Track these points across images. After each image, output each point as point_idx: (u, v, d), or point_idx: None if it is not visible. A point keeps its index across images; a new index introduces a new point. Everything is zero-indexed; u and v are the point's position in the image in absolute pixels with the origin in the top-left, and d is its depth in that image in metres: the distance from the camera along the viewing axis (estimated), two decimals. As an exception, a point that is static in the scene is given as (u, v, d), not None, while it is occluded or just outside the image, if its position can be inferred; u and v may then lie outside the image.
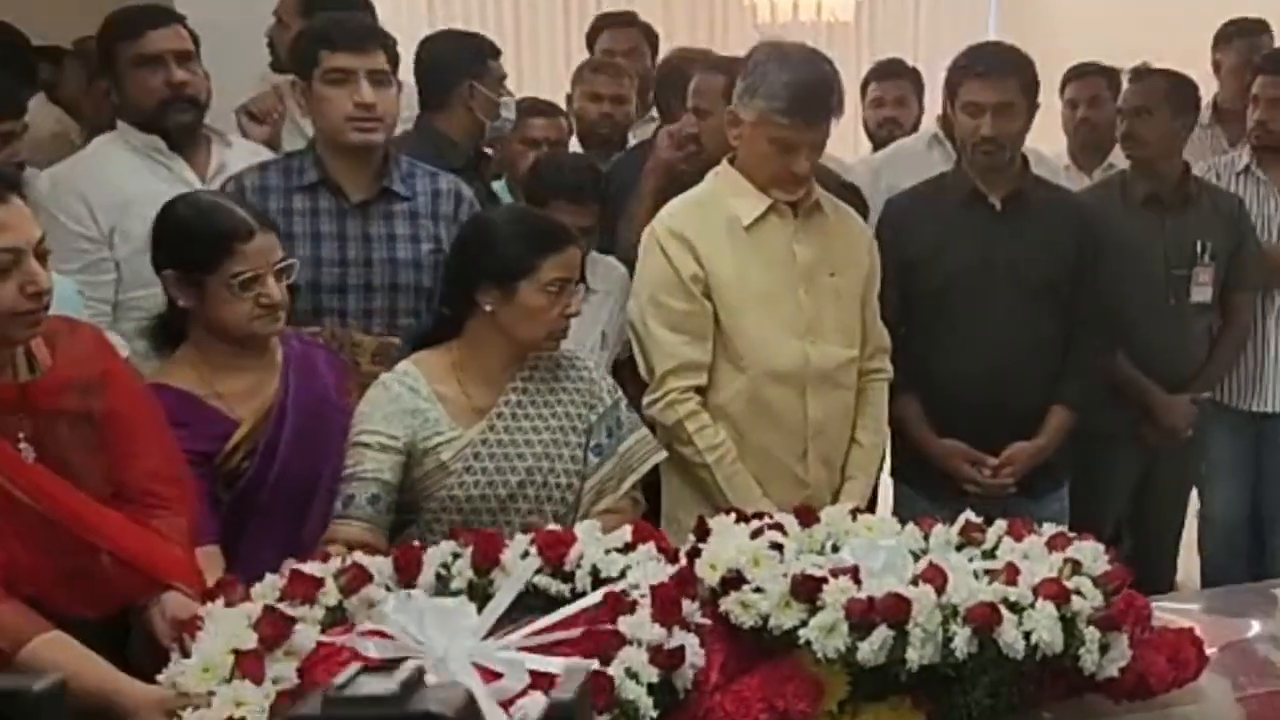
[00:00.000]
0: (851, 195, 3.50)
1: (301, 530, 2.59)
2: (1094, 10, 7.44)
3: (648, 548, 2.14)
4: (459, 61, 3.76)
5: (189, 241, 2.54)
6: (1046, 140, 4.36)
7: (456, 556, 2.15)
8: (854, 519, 2.30)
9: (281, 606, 1.98)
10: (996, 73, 3.37)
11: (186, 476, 2.41)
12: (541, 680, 1.84)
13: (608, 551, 2.13)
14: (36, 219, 2.57)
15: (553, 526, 2.28)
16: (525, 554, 2.13)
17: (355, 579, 2.07)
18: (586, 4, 8.14)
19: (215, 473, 2.55)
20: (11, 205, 2.08)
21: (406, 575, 2.13)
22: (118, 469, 2.28)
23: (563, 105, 4.42)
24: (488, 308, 2.65)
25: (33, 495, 2.13)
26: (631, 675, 1.81)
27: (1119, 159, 4.42)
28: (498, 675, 1.85)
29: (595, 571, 2.10)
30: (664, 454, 2.91)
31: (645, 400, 3.03)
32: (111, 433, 2.27)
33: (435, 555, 2.16)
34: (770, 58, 2.94)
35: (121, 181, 3.22)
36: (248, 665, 1.84)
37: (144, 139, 3.30)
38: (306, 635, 1.92)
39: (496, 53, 3.89)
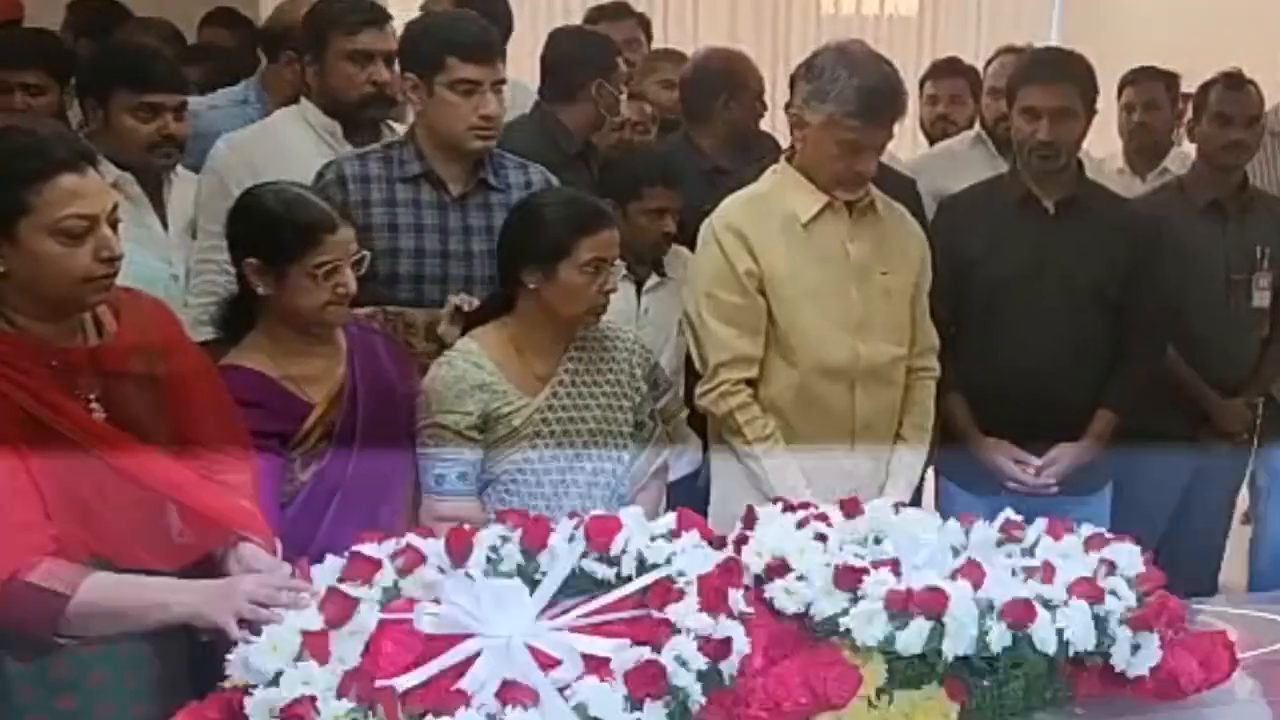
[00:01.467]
0: (909, 188, 3.56)
1: (379, 510, 2.69)
2: (1160, 12, 7.41)
3: (692, 535, 2.20)
4: (591, 58, 3.91)
5: (278, 230, 2.63)
6: (1102, 142, 4.38)
7: (505, 539, 2.22)
8: (896, 513, 2.36)
9: (343, 587, 2.04)
10: (1055, 78, 3.41)
11: (245, 440, 2.49)
12: (593, 663, 1.92)
13: (653, 538, 2.19)
14: (208, 178, 3.08)
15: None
16: (571, 538, 2.20)
17: (411, 560, 2.14)
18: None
19: (288, 455, 2.64)
20: (88, 175, 2.19)
21: (458, 557, 2.18)
22: (182, 428, 2.37)
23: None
24: (531, 286, 2.80)
25: (104, 453, 2.22)
26: (682, 663, 1.87)
27: (1173, 163, 4.44)
28: (548, 655, 1.93)
29: (641, 558, 2.15)
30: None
31: (698, 390, 3.14)
32: (176, 395, 2.37)
33: (485, 538, 2.22)
34: (838, 62, 3.00)
35: (294, 158, 3.25)
36: (314, 645, 1.90)
37: (323, 121, 3.41)
38: (369, 615, 1.99)
39: (620, 52, 4.04)
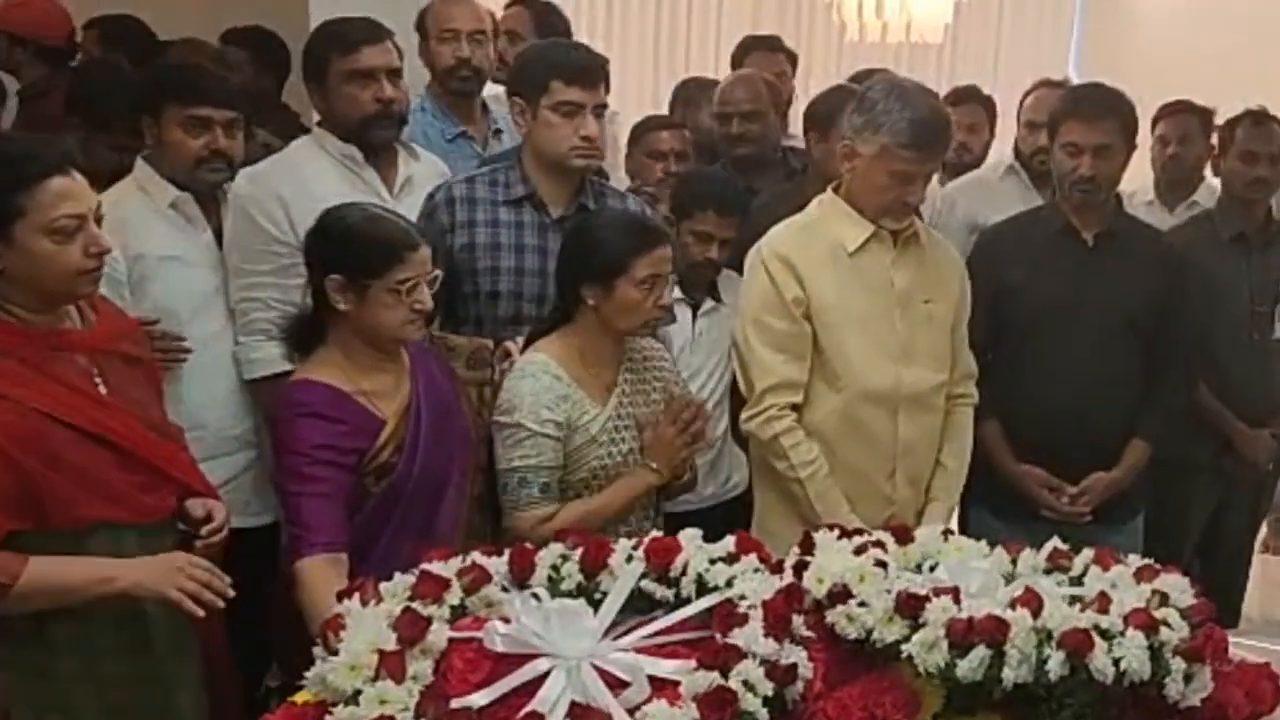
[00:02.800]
0: None
1: (435, 525, 2.76)
2: (1178, 43, 7.45)
3: (750, 559, 2.23)
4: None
5: (364, 247, 2.70)
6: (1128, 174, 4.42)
7: (565, 558, 2.25)
8: (945, 540, 2.40)
9: (414, 606, 2.08)
10: (1098, 115, 3.47)
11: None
12: (658, 684, 1.96)
13: (713, 561, 2.22)
14: (235, 214, 3.19)
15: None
16: (630, 558, 2.24)
17: (477, 579, 2.18)
18: (678, 21, 8.26)
19: (362, 471, 2.70)
20: (74, 177, 2.37)
21: (521, 576, 2.23)
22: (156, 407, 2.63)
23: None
24: (590, 301, 2.88)
25: (112, 424, 2.44)
26: (749, 688, 1.90)
27: (1203, 196, 4.49)
28: (615, 675, 1.97)
29: (700, 580, 2.19)
30: None
31: (744, 415, 3.20)
32: (151, 376, 2.65)
33: (546, 557, 2.26)
34: (890, 95, 3.07)
35: (318, 187, 3.25)
36: (390, 664, 1.93)
37: (341, 147, 3.38)
38: (440, 633, 2.03)
39: None
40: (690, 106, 4.82)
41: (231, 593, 2.44)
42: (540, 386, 2.86)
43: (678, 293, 3.33)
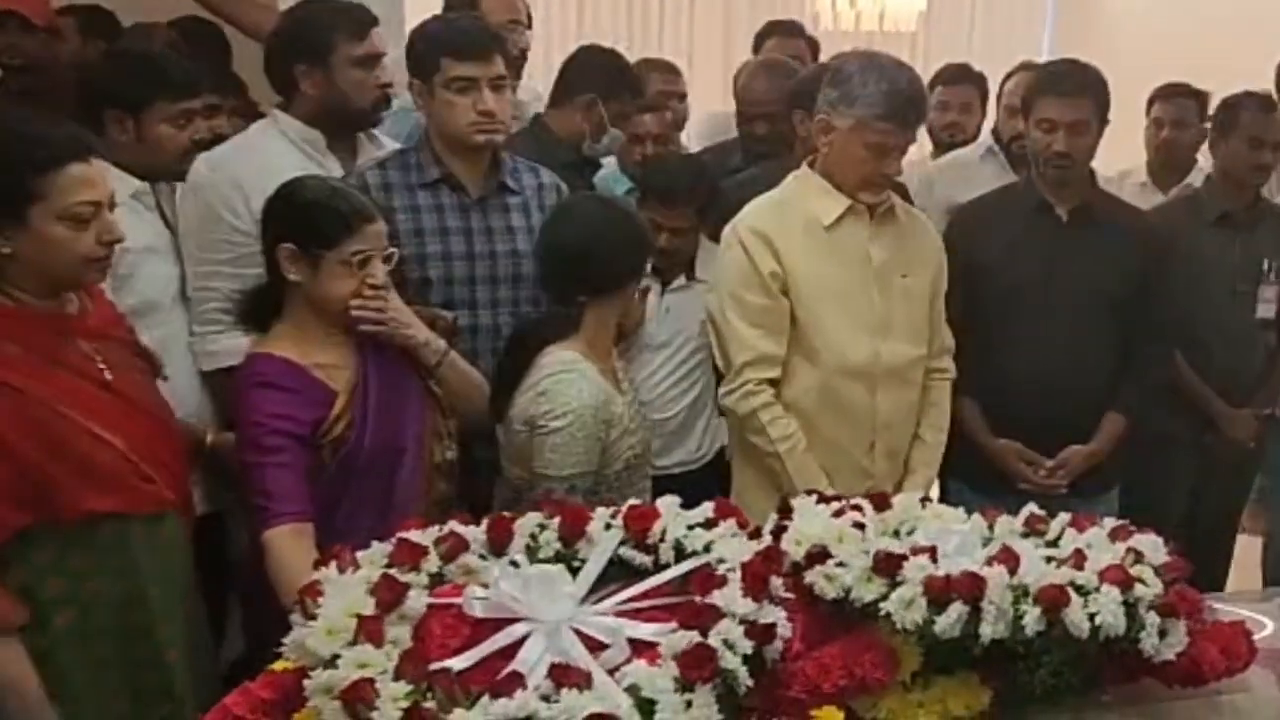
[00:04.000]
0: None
1: (392, 495, 2.76)
2: (1151, 28, 7.50)
3: (729, 524, 2.25)
4: (594, 75, 4.02)
5: (318, 217, 2.69)
6: (1116, 156, 4.43)
7: (543, 527, 2.26)
8: (923, 507, 2.42)
9: (392, 573, 2.09)
10: (1073, 92, 3.49)
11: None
12: (638, 647, 1.97)
13: (690, 527, 2.23)
14: (192, 201, 3.09)
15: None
16: (609, 526, 2.25)
17: (454, 547, 2.18)
18: (649, 9, 8.28)
19: (317, 443, 2.70)
20: (92, 164, 2.39)
21: (499, 544, 2.23)
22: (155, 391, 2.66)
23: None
24: (588, 307, 2.92)
25: (117, 405, 2.48)
26: (729, 646, 1.91)
27: (1197, 179, 4.50)
28: (594, 638, 1.98)
29: (679, 546, 2.20)
30: None
31: (721, 390, 3.22)
32: (148, 362, 2.67)
33: (524, 525, 2.27)
34: (865, 68, 3.08)
35: (278, 172, 3.07)
36: (369, 628, 1.94)
37: (301, 131, 3.32)
38: (418, 599, 2.04)
39: (636, 93, 4.13)
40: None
41: None
42: (594, 389, 2.84)
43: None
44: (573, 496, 2.79)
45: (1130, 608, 2.06)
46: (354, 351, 2.79)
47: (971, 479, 3.63)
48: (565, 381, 2.82)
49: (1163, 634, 2.09)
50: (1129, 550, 2.20)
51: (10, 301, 2.39)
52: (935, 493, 3.80)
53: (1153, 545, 2.24)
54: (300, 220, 2.70)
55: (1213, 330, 3.99)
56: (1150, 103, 4.75)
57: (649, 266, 3.04)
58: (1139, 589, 2.09)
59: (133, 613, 2.52)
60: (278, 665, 2.02)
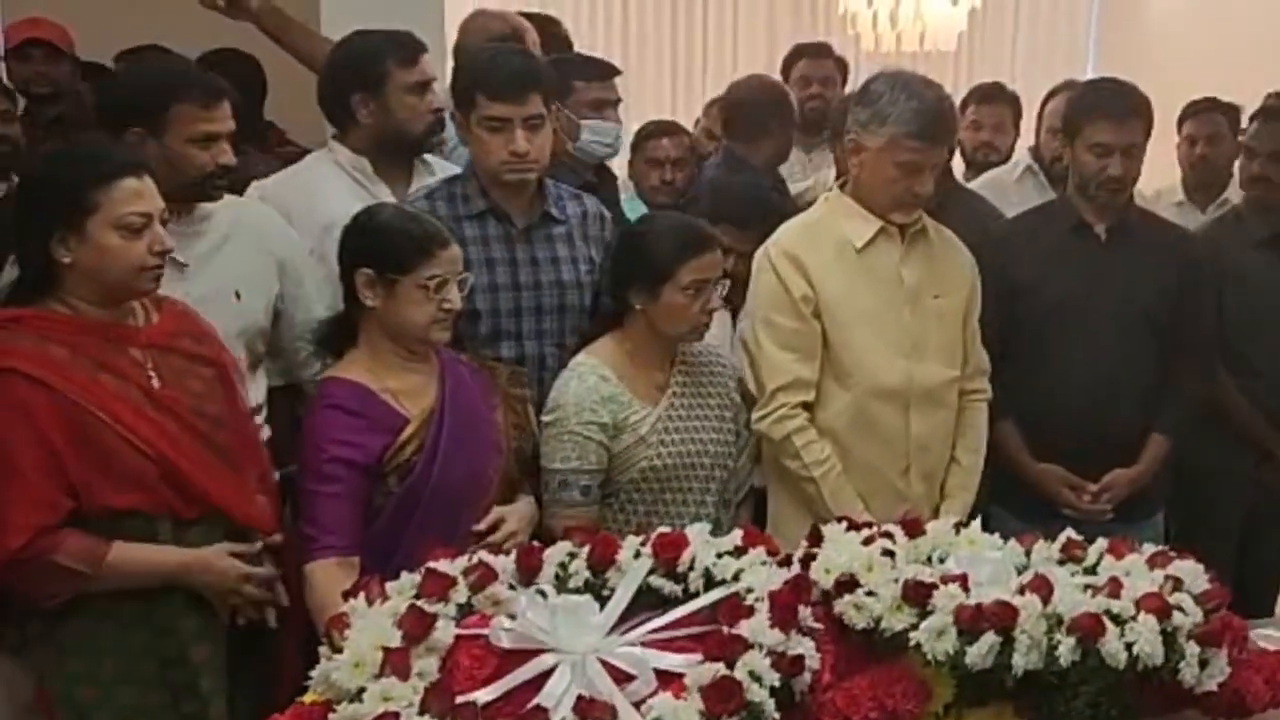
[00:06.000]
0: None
1: (458, 526, 2.75)
2: (1195, 46, 7.42)
3: (758, 552, 2.22)
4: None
5: (394, 242, 2.73)
6: (1151, 175, 4.38)
7: (573, 556, 2.24)
8: (957, 533, 2.38)
9: (420, 604, 2.07)
10: (1125, 115, 3.44)
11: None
12: (665, 678, 1.95)
13: (720, 555, 2.20)
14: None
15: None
16: (638, 554, 2.22)
17: (483, 577, 2.16)
18: (693, 32, 8.28)
19: (383, 470, 2.72)
20: (144, 179, 2.53)
21: (528, 573, 2.22)
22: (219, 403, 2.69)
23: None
24: (638, 306, 2.97)
25: (159, 413, 2.55)
26: (755, 679, 1.89)
27: (1234, 195, 4.43)
28: (620, 670, 1.96)
29: (708, 574, 2.17)
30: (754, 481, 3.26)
31: (754, 415, 3.18)
32: (223, 375, 2.70)
33: (554, 554, 2.25)
34: (894, 87, 3.08)
35: (327, 203, 3.23)
36: (395, 661, 1.93)
37: (353, 159, 3.35)
38: (446, 631, 2.02)
39: (606, 75, 4.01)
40: None
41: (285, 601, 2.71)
42: (585, 388, 2.93)
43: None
44: (569, 494, 2.90)
45: (1169, 636, 2.02)
46: (434, 381, 2.81)
47: (1015, 505, 3.56)
48: (563, 379, 2.98)
49: (1203, 664, 2.05)
50: (1168, 577, 2.15)
51: (67, 310, 2.52)
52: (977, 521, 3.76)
53: (1192, 572, 2.19)
54: (376, 246, 2.74)
55: (1263, 354, 3.89)
56: (1181, 120, 4.67)
57: (722, 293, 3.03)
58: (1177, 617, 2.04)
59: (157, 610, 2.59)
60: (306, 698, 2.02)
